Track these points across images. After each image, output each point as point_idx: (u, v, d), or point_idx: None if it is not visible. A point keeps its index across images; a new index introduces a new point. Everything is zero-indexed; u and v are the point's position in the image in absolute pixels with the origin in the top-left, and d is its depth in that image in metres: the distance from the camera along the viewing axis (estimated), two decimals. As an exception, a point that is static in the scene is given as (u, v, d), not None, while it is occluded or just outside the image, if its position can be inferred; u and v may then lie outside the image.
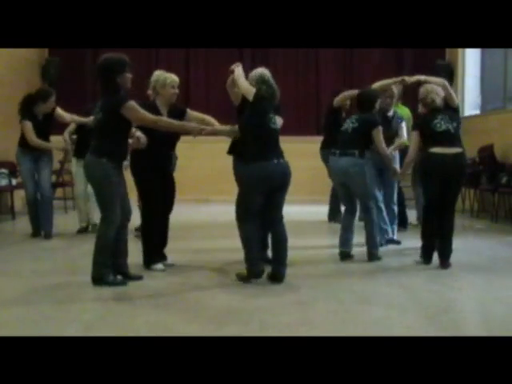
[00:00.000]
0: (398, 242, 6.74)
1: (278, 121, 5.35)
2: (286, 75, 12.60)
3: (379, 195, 6.49)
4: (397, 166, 6.62)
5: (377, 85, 6.37)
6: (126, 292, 4.72)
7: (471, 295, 4.90)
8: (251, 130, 5.09)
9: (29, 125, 7.15)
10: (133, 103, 4.80)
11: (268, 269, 5.08)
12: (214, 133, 5.46)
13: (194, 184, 11.05)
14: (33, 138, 7.17)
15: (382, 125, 5.99)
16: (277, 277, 5.01)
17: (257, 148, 5.05)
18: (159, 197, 5.39)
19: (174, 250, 5.88)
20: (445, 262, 5.62)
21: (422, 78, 5.99)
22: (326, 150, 7.28)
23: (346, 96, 7.17)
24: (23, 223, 8.42)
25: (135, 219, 5.55)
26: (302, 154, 11.64)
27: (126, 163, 5.44)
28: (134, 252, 5.47)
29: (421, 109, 5.99)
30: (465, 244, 6.87)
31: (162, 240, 5.60)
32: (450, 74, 11.63)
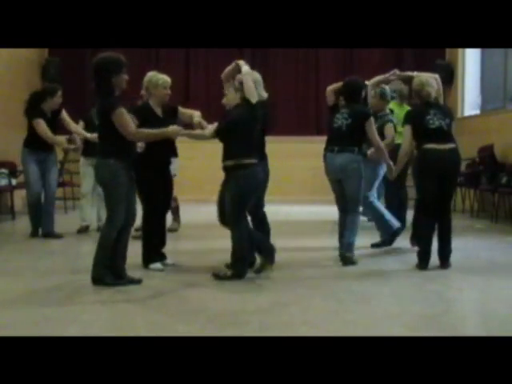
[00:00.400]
0: (378, 245, 6.63)
1: None
2: (286, 75, 12.62)
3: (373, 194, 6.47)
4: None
5: (371, 81, 6.37)
6: (125, 292, 4.72)
7: (471, 295, 4.90)
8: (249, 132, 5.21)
9: (42, 122, 7.12)
10: (121, 111, 4.74)
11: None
12: (191, 137, 5.49)
13: (194, 184, 11.05)
14: (48, 134, 7.13)
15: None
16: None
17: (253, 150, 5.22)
18: (160, 197, 5.42)
19: (173, 250, 5.89)
20: (445, 263, 5.59)
21: (414, 73, 6.03)
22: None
23: (330, 90, 6.77)
24: (23, 223, 8.42)
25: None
26: (302, 154, 11.67)
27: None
28: (131, 253, 5.47)
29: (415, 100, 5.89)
30: (465, 244, 6.86)
31: (162, 239, 5.62)
32: (450, 74, 11.64)
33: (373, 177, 6.47)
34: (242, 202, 5.16)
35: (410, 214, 7.98)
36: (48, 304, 4.40)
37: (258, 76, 5.40)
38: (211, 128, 5.32)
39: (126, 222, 4.91)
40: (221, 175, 5.31)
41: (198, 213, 9.59)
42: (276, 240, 7.26)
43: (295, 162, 11.85)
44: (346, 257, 5.78)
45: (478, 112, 11.41)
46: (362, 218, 7.02)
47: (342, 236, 5.95)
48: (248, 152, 5.17)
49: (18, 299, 4.54)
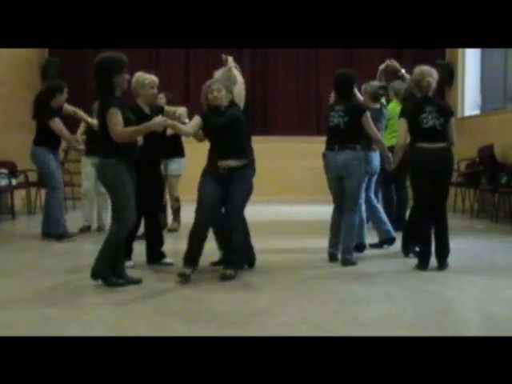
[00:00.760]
0: (376, 246, 6.61)
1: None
2: (286, 75, 12.62)
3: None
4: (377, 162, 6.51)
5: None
6: (125, 292, 4.72)
7: (471, 295, 4.90)
8: (246, 134, 5.32)
9: (58, 120, 7.10)
10: (114, 111, 4.71)
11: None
12: (176, 130, 5.40)
13: (195, 184, 11.02)
14: (64, 132, 7.11)
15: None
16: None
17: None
18: (144, 196, 5.37)
19: (174, 250, 5.89)
20: (442, 263, 5.56)
21: (403, 71, 6.29)
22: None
23: None
24: (23, 223, 8.45)
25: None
26: (302, 154, 11.67)
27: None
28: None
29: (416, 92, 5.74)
30: (465, 244, 6.87)
31: (159, 239, 5.71)
32: (450, 74, 11.64)
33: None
34: (247, 201, 5.29)
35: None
36: (48, 304, 4.41)
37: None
38: (194, 125, 5.25)
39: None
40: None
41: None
42: (276, 240, 7.28)
43: (295, 161, 11.85)
44: (346, 259, 5.77)
45: (478, 112, 11.42)
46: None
47: (334, 236, 5.93)
48: (248, 151, 5.33)
49: (18, 299, 4.54)
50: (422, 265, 5.56)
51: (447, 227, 5.61)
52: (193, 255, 5.09)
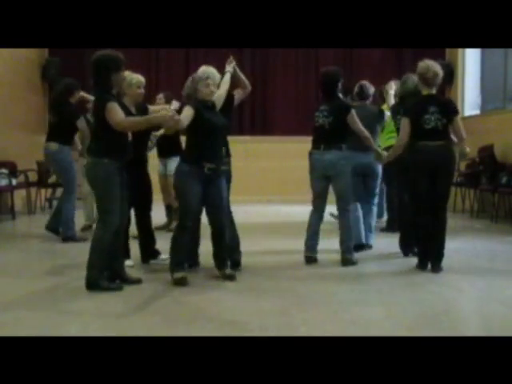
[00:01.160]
0: (369, 247, 6.55)
1: None
2: (286, 75, 12.62)
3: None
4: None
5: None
6: (125, 293, 4.71)
7: (471, 295, 4.90)
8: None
9: (82, 119, 7.13)
10: (113, 104, 4.63)
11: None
12: (177, 127, 4.96)
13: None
14: (87, 132, 7.07)
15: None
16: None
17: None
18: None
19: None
20: (435, 267, 5.45)
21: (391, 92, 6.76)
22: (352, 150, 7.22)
23: None
24: (23, 223, 8.45)
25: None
26: (302, 154, 11.54)
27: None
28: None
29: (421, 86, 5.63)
30: (465, 244, 6.87)
31: (151, 237, 5.76)
32: (450, 73, 11.64)
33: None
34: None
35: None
36: (48, 304, 4.41)
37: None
38: (188, 116, 4.92)
39: (120, 222, 4.80)
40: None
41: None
42: (276, 241, 7.28)
43: (295, 162, 11.82)
44: (347, 258, 5.76)
45: (478, 112, 11.41)
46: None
47: (310, 239, 5.86)
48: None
49: (18, 299, 4.53)
50: (422, 264, 5.54)
51: (444, 229, 5.50)
52: (182, 259, 5.03)
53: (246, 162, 12.23)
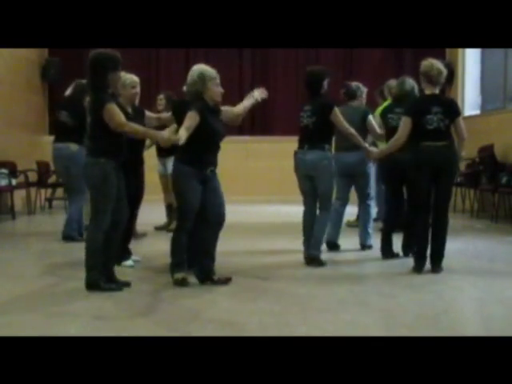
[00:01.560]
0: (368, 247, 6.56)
1: None
2: (285, 75, 12.62)
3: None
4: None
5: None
6: (124, 293, 4.71)
7: (471, 295, 4.89)
8: None
9: None
10: (112, 106, 4.61)
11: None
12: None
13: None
14: None
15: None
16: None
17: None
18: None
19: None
20: (435, 268, 5.42)
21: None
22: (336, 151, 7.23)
23: None
24: (23, 223, 8.45)
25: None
26: (302, 154, 11.66)
27: None
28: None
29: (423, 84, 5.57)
30: (465, 244, 6.87)
31: (127, 237, 5.60)
32: (450, 73, 11.62)
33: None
34: None
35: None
36: (48, 304, 4.40)
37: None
38: (191, 128, 4.80)
39: (114, 222, 4.75)
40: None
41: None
42: (276, 241, 7.28)
43: (295, 162, 11.84)
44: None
45: (478, 112, 11.41)
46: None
47: (308, 239, 5.84)
48: None
49: (18, 299, 4.54)
50: (417, 267, 5.47)
51: (445, 230, 5.46)
52: (182, 260, 4.99)
53: (246, 162, 12.25)
